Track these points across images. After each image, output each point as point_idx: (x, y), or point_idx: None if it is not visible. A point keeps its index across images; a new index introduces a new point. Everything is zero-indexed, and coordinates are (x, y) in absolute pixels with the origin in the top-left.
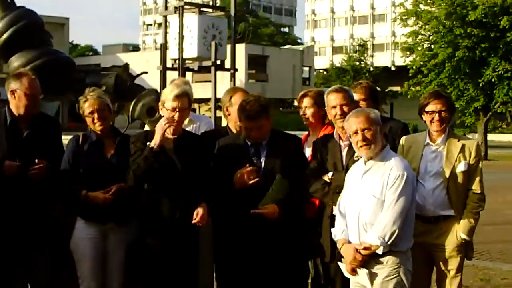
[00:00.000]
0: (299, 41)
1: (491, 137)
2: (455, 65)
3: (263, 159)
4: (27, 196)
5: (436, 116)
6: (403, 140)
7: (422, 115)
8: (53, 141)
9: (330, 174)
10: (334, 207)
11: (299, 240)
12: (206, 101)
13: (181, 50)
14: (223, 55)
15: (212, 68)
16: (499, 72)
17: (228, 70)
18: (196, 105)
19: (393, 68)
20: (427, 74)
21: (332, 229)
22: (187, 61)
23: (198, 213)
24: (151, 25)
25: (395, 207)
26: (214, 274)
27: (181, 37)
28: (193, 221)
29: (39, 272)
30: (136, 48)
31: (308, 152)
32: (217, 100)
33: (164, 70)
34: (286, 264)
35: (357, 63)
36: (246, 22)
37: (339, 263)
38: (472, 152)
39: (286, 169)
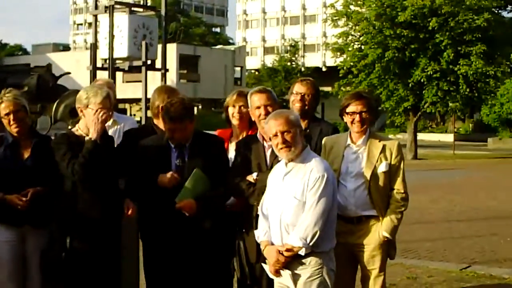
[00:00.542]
0: (230, 41)
1: (420, 136)
2: (385, 65)
3: (185, 161)
4: None
5: (357, 117)
6: (325, 140)
7: (343, 116)
8: None
9: (254, 174)
10: (259, 207)
11: (222, 239)
12: (137, 101)
13: (111, 49)
14: (154, 55)
15: (143, 68)
16: (428, 73)
17: (159, 70)
18: (127, 105)
19: (324, 69)
20: (357, 75)
21: (255, 231)
22: (117, 61)
23: (128, 207)
24: (81, 24)
25: (316, 208)
26: (143, 272)
27: (111, 36)
28: (127, 214)
29: None
30: (66, 48)
31: (232, 153)
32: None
33: (94, 70)
34: (209, 263)
35: (289, 64)
36: (177, 22)
37: (263, 264)
38: (393, 152)
39: (208, 169)
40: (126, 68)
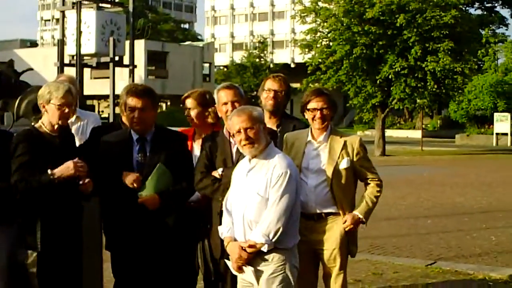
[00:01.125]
0: (199, 37)
1: (389, 133)
2: (353, 62)
3: (147, 155)
4: None
5: (318, 114)
6: (286, 136)
7: (304, 113)
8: None
9: (220, 170)
10: (223, 203)
11: (186, 235)
12: (104, 97)
13: (79, 46)
14: (121, 51)
15: (110, 64)
16: (396, 69)
17: (126, 66)
18: (95, 102)
19: (292, 65)
20: (326, 71)
21: (219, 227)
22: (85, 57)
23: (85, 181)
24: (49, 20)
25: (279, 205)
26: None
27: (79, 33)
28: (80, 186)
29: None
30: (34, 44)
31: (197, 151)
32: (116, 97)
33: (61, 66)
34: (173, 259)
35: (257, 60)
36: (146, 18)
37: (226, 260)
38: (355, 148)
39: (170, 165)
40: (94, 65)
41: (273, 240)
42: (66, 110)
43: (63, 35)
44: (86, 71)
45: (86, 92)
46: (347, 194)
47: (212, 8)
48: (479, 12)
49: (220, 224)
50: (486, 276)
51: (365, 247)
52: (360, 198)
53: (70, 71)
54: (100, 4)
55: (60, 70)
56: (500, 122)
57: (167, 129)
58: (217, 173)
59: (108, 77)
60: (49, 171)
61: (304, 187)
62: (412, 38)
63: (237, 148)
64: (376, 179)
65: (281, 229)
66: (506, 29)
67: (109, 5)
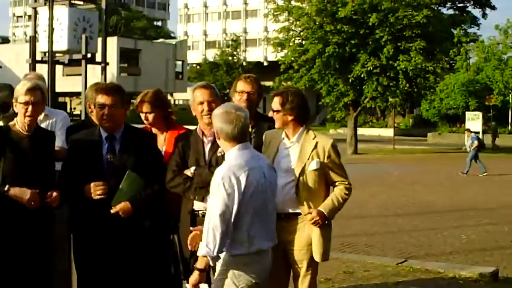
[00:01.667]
0: (172, 35)
1: (361, 131)
2: (325, 61)
3: (116, 154)
4: None
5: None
6: (265, 135)
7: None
8: None
9: (192, 168)
10: (195, 202)
11: (157, 234)
12: (76, 94)
13: (51, 43)
14: (94, 48)
15: (83, 62)
16: (368, 68)
17: (99, 63)
18: (67, 99)
19: (265, 63)
20: (298, 70)
21: (191, 228)
22: (57, 54)
23: (52, 194)
24: (21, 17)
25: (211, 214)
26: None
27: (51, 29)
28: (46, 200)
29: None
30: (5, 40)
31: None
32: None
33: (33, 63)
34: (144, 259)
35: (230, 58)
36: (118, 15)
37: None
38: (326, 150)
39: (140, 164)
40: (66, 62)
41: (214, 250)
42: (30, 108)
43: (35, 31)
44: (58, 68)
45: (58, 89)
46: (315, 196)
47: (185, 5)
48: (451, 11)
49: (192, 222)
50: (456, 274)
51: (336, 246)
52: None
53: (42, 68)
54: (73, 1)
55: (32, 67)
56: (471, 121)
57: (136, 128)
58: (189, 171)
59: (80, 74)
60: (6, 187)
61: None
62: (384, 37)
63: (210, 147)
64: (346, 183)
65: (218, 239)
66: (478, 29)
67: (81, 2)
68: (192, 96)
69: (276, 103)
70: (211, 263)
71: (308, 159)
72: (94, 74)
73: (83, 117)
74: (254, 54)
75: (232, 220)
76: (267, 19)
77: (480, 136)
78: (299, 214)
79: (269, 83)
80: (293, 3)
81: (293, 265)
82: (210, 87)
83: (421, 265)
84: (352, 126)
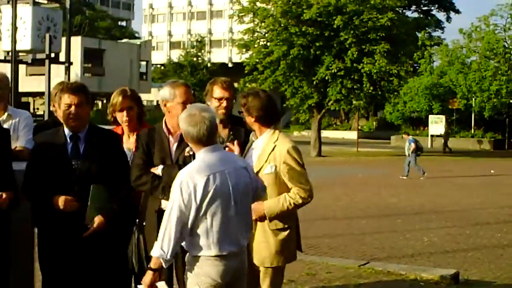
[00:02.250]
0: (136, 35)
1: (325, 133)
2: (290, 62)
3: (81, 154)
4: None
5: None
6: (251, 136)
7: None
8: None
9: (160, 167)
10: (163, 201)
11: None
12: (40, 94)
13: (14, 42)
14: (58, 47)
15: (46, 61)
16: (333, 71)
17: (62, 63)
18: (30, 99)
19: (230, 65)
20: (263, 71)
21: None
22: (20, 54)
23: (1, 195)
24: None
25: (168, 218)
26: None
27: (14, 28)
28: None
29: None
30: None
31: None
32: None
33: None
34: (107, 258)
35: (195, 59)
36: (83, 14)
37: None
38: (282, 156)
39: (104, 164)
40: (29, 61)
41: (167, 254)
42: None
43: None
44: (22, 68)
45: (22, 89)
46: (266, 199)
47: (150, 6)
48: (415, 15)
49: (159, 221)
50: (417, 276)
51: None
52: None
53: (5, 68)
54: (37, 0)
55: None
56: (434, 124)
57: (101, 128)
58: (156, 170)
59: (43, 74)
60: None
61: None
62: (348, 40)
63: (177, 146)
64: (302, 190)
65: (172, 243)
66: (442, 32)
67: (45, 1)
68: (172, 93)
69: (241, 104)
70: (164, 266)
71: (266, 161)
72: (57, 74)
73: (46, 117)
74: (218, 55)
75: (189, 225)
76: (232, 20)
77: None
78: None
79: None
80: (258, 4)
81: (252, 267)
82: (188, 85)
83: (383, 267)
84: (316, 129)
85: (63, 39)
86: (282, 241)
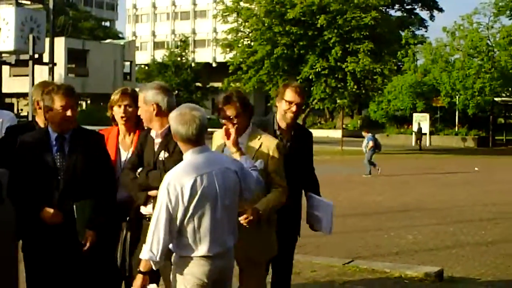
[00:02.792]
0: (120, 35)
1: None
2: (274, 62)
3: (66, 154)
4: None
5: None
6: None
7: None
8: None
9: (139, 169)
10: (142, 207)
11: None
12: (24, 95)
13: None
14: (41, 48)
15: (30, 62)
16: (317, 70)
17: (46, 64)
18: (14, 100)
19: (214, 64)
20: (247, 71)
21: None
22: (3, 55)
23: None
24: None
25: (156, 219)
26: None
27: None
28: None
29: None
30: None
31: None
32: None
33: None
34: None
35: (179, 59)
36: (66, 15)
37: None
38: (271, 151)
39: (89, 164)
40: (13, 62)
41: (157, 255)
42: None
43: None
44: (5, 69)
45: (5, 90)
46: (258, 195)
47: (133, 6)
48: (399, 13)
49: (136, 227)
50: (402, 274)
51: None
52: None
53: None
54: (20, 1)
55: None
56: (419, 122)
57: (85, 129)
58: (138, 172)
59: (27, 75)
60: None
61: None
62: (332, 39)
63: (157, 149)
64: (283, 186)
65: (161, 245)
66: (426, 31)
67: (29, 2)
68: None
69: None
70: (154, 268)
71: (253, 159)
72: (41, 74)
73: (30, 118)
74: (202, 55)
75: (178, 226)
76: (216, 20)
77: (427, 137)
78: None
79: (217, 84)
80: (242, 4)
81: (239, 265)
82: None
83: (368, 265)
84: None
85: (47, 40)
86: (267, 237)
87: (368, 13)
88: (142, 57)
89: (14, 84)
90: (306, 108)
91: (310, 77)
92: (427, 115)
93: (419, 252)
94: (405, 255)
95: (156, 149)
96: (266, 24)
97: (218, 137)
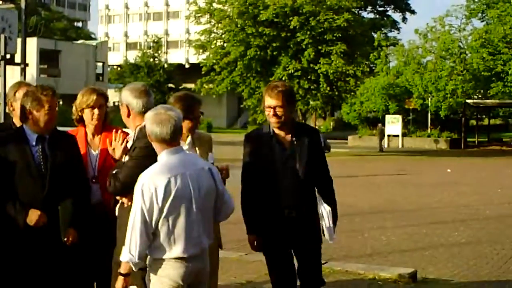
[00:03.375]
0: (92, 36)
1: None
2: (247, 63)
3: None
4: None
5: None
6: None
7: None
8: None
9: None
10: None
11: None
12: None
13: None
14: (13, 49)
15: (2, 63)
16: (290, 71)
17: (18, 64)
18: None
19: (187, 66)
20: (220, 72)
21: None
22: None
23: None
24: None
25: (133, 221)
26: None
27: None
28: None
29: None
30: None
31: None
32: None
33: None
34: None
35: (151, 60)
36: (38, 15)
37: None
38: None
39: (69, 165)
40: None
41: (136, 257)
42: None
43: None
44: None
45: None
46: None
47: (106, 6)
48: (371, 15)
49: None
50: (376, 275)
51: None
52: None
53: None
54: None
55: None
56: (391, 124)
57: (60, 130)
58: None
59: None
60: None
61: None
62: (305, 41)
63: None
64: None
65: (138, 246)
66: (398, 33)
67: (0, 2)
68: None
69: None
70: (134, 269)
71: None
72: (13, 75)
73: (2, 119)
74: (175, 56)
75: (153, 227)
76: (188, 21)
77: (400, 138)
78: None
79: (190, 86)
80: (215, 5)
81: None
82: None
83: (342, 266)
84: None
85: (19, 40)
86: None
87: (340, 15)
88: (115, 58)
89: None
90: None
91: (283, 78)
92: (399, 117)
93: (392, 253)
94: (379, 256)
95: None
96: (239, 26)
97: None
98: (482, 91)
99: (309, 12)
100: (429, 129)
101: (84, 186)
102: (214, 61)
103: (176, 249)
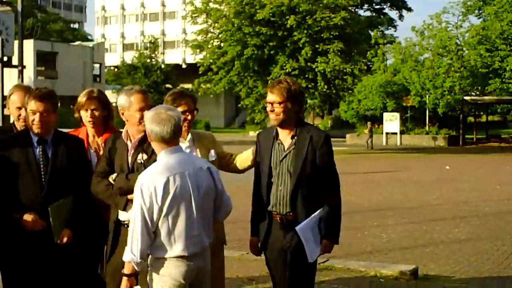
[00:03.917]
0: (89, 37)
1: None
2: (244, 63)
3: (49, 158)
4: None
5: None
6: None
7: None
8: None
9: (114, 175)
10: (119, 211)
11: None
12: None
13: None
14: (10, 51)
15: None
16: (287, 70)
17: (15, 67)
18: None
19: (184, 66)
20: (217, 72)
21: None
22: None
23: None
24: None
25: (134, 220)
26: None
27: None
28: None
29: None
30: None
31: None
32: (5, 98)
33: None
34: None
35: (148, 60)
36: (35, 17)
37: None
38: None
39: (71, 169)
40: None
41: (138, 256)
42: None
43: None
44: None
45: None
46: None
47: (102, 8)
48: (368, 13)
49: (116, 232)
50: (377, 273)
51: None
52: None
53: None
54: None
55: None
56: (389, 121)
57: (65, 132)
58: (112, 178)
59: None
60: None
61: None
62: (302, 39)
63: (133, 153)
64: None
65: (140, 246)
66: (395, 31)
67: None
68: (128, 101)
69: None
70: (136, 269)
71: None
72: (10, 77)
73: (0, 121)
74: (172, 57)
75: (154, 226)
76: (185, 21)
77: (398, 136)
78: None
79: (188, 86)
80: (211, 5)
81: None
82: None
83: (343, 264)
84: None
85: (16, 43)
86: None
87: (337, 13)
88: (112, 59)
89: None
90: None
91: (281, 77)
92: (397, 115)
93: (393, 250)
94: (380, 254)
95: (132, 152)
96: (235, 25)
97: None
98: (479, 87)
99: (306, 11)
100: (427, 126)
101: (85, 189)
102: (211, 61)
103: (177, 248)
